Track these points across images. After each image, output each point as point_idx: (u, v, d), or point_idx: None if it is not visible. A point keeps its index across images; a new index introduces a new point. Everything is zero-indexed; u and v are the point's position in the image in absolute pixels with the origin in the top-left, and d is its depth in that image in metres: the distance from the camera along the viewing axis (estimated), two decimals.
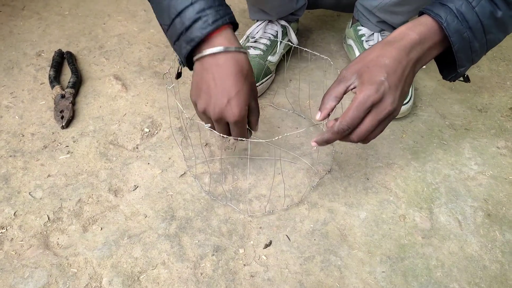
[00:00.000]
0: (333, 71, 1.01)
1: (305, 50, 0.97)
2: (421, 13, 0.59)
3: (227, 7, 0.59)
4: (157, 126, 0.85)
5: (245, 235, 0.67)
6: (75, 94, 0.91)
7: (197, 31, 0.56)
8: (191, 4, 0.56)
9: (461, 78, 0.66)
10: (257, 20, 0.98)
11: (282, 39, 0.98)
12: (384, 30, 0.94)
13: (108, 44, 1.08)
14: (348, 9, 1.01)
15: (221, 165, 0.78)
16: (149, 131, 0.84)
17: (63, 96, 0.89)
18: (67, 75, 0.97)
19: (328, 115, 0.58)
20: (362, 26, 0.97)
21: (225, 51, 0.57)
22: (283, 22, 0.97)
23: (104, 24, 1.15)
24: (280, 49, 0.97)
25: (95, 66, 1.01)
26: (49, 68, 0.97)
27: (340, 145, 0.82)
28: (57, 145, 0.81)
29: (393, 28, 0.93)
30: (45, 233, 0.67)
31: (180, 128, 0.85)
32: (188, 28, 0.56)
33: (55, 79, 0.93)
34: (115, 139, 0.83)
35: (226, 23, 0.57)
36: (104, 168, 0.77)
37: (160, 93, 0.93)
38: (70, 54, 1.01)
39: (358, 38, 0.97)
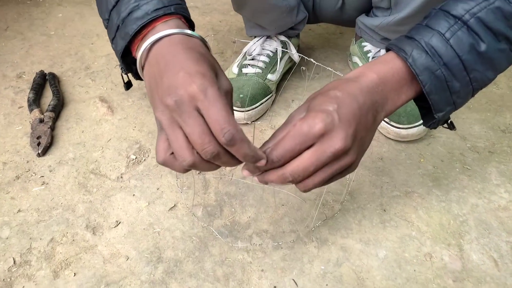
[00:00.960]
0: None
1: (312, 62, 0.89)
2: (387, 50, 0.48)
3: None
4: (145, 152, 0.76)
5: (245, 280, 0.57)
6: (55, 118, 0.83)
7: (133, 23, 0.45)
8: None
9: (445, 125, 0.53)
10: (255, 37, 0.91)
11: (282, 56, 0.90)
12: None
13: (95, 65, 1.00)
14: (349, 24, 0.93)
15: (217, 196, 0.68)
16: (135, 158, 0.75)
17: (41, 121, 0.80)
18: (48, 98, 0.89)
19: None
20: (367, 42, 0.89)
21: (170, 34, 0.44)
22: (282, 38, 0.89)
23: (92, 44, 1.07)
24: (280, 67, 0.90)
25: (80, 88, 0.92)
26: (29, 90, 0.89)
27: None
28: (31, 175, 0.71)
29: None
30: (8, 279, 0.57)
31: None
32: (124, 19, 0.46)
33: (34, 102, 0.85)
34: (97, 167, 0.73)
35: (170, 13, 0.45)
36: (82, 202, 0.67)
37: (150, 116, 0.84)
38: (52, 76, 0.93)
39: (364, 55, 0.89)
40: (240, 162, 0.43)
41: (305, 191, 0.45)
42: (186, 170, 0.43)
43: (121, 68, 0.52)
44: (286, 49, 0.91)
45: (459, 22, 0.43)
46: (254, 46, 0.89)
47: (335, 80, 0.46)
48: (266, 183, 0.45)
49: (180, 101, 0.39)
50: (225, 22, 1.21)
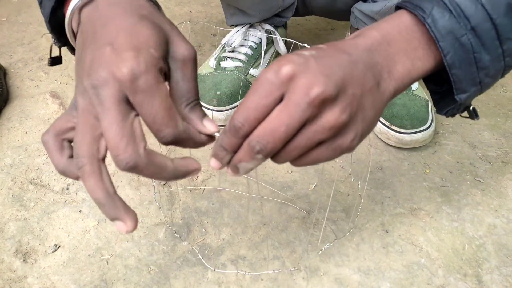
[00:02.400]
0: None
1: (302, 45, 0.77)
2: (397, 8, 0.38)
3: None
4: None
5: None
6: None
7: None
8: None
9: (466, 113, 0.43)
10: (236, 26, 0.79)
11: (267, 48, 0.78)
12: None
13: None
14: (343, 15, 0.82)
15: (183, 214, 0.56)
16: None
17: None
18: None
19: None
20: None
21: None
22: (267, 27, 0.78)
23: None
24: (265, 61, 0.78)
25: (29, 82, 0.79)
26: None
27: (345, 184, 0.62)
28: None
29: None
30: None
31: None
32: None
33: None
34: (39, 176, 0.60)
35: None
36: (15, 219, 0.54)
37: None
38: None
39: None
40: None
41: (296, 165, 0.32)
42: (62, 170, 0.32)
43: (53, 39, 0.41)
44: (272, 40, 0.79)
45: None
46: (234, 36, 0.77)
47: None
48: (238, 171, 0.32)
49: (100, 87, 0.28)
50: (204, 14, 1.10)
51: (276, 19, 0.78)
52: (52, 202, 0.56)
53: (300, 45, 0.56)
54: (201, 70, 0.77)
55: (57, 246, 0.51)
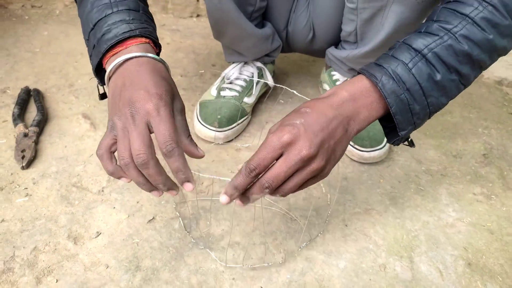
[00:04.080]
0: None
1: (282, 88, 0.96)
2: (358, 73, 0.55)
3: (147, 23, 0.58)
4: None
5: (217, 287, 0.62)
6: (39, 133, 0.86)
7: (104, 43, 0.54)
8: (106, 16, 0.55)
9: (406, 143, 0.61)
10: (233, 62, 0.98)
11: (258, 81, 0.97)
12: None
13: (79, 83, 1.04)
14: (320, 54, 1.02)
15: (191, 209, 0.73)
16: None
17: (26, 135, 0.84)
18: (32, 113, 0.92)
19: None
20: (336, 71, 0.98)
21: (136, 57, 0.53)
22: (258, 64, 0.97)
23: (76, 62, 1.12)
24: (256, 91, 0.97)
25: (63, 104, 0.96)
26: (13, 105, 0.92)
27: (317, 189, 0.80)
28: (15, 187, 0.75)
29: None
30: None
31: None
32: (99, 40, 0.55)
33: (19, 116, 0.88)
34: (79, 181, 0.77)
35: (136, 36, 0.54)
36: (64, 213, 0.71)
37: None
38: (37, 92, 0.96)
39: (333, 83, 0.98)
40: (160, 184, 0.50)
41: (282, 195, 0.51)
42: (111, 172, 0.51)
43: (97, 81, 0.61)
44: (262, 74, 0.98)
45: (419, 54, 0.51)
46: (232, 70, 0.96)
47: (312, 99, 0.54)
48: (246, 202, 0.52)
49: (136, 113, 0.48)
50: (205, 46, 1.28)
51: (266, 58, 0.97)
52: (91, 201, 0.74)
53: (280, 87, 0.75)
54: (204, 97, 0.95)
55: (99, 233, 0.68)
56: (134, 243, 0.67)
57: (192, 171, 0.50)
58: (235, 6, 0.79)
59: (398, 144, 0.60)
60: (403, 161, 0.89)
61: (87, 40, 0.58)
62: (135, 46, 0.54)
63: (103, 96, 0.66)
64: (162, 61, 0.55)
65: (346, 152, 0.89)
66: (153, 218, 0.71)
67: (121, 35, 0.54)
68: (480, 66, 0.53)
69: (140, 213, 0.72)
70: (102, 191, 0.76)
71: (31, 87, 0.98)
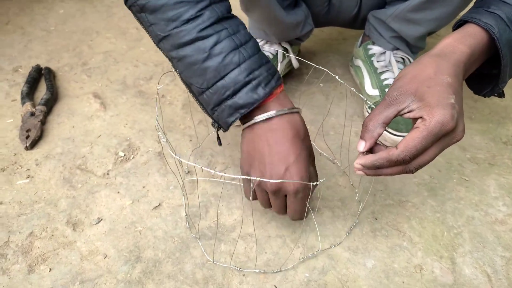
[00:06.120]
0: (338, 95, 0.90)
1: (311, 65, 0.87)
2: (463, 22, 0.50)
3: (267, 60, 0.53)
4: (134, 150, 0.75)
5: (225, 284, 0.54)
6: (47, 113, 0.82)
7: (248, 97, 0.49)
8: (238, 65, 0.49)
9: (496, 94, 0.57)
10: (257, 38, 0.89)
11: (282, 60, 0.88)
12: (398, 49, 0.84)
13: (93, 61, 0.99)
14: (361, 25, 0.91)
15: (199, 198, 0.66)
16: (124, 155, 0.73)
17: (32, 114, 0.79)
18: (42, 92, 0.88)
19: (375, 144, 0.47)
20: (373, 44, 0.87)
21: (278, 115, 0.51)
22: (284, 44, 0.88)
23: (91, 41, 1.07)
24: (280, 71, 0.88)
25: (75, 84, 0.91)
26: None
27: (344, 178, 0.71)
28: (17, 168, 0.70)
29: (408, 45, 0.82)
30: None
31: (159, 152, 0.74)
32: (236, 92, 0.49)
33: (28, 95, 0.84)
34: (84, 163, 0.72)
35: (279, 84, 0.52)
36: (65, 197, 0.66)
37: (142, 114, 0.83)
38: (48, 70, 0.92)
39: (368, 58, 0.87)
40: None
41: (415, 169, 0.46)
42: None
43: (217, 127, 0.56)
44: (287, 53, 0.89)
45: None
46: None
47: (429, 55, 0.47)
48: (378, 175, 0.47)
49: (278, 191, 0.51)
50: None
51: (293, 40, 0.88)
52: (95, 184, 0.68)
53: (314, 66, 0.66)
54: None
55: (100, 219, 0.62)
56: (136, 232, 0.61)
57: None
58: None
59: (489, 96, 0.56)
60: None
61: (206, 89, 0.51)
62: (272, 102, 0.52)
63: (219, 140, 0.61)
64: (297, 111, 0.54)
65: None
66: (159, 204, 0.65)
67: (267, 86, 0.50)
68: None
69: (145, 199, 0.65)
70: (107, 174, 0.70)
71: (44, 65, 0.94)
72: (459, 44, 0.47)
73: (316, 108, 0.87)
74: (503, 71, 0.49)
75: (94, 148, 0.75)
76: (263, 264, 0.57)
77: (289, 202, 0.53)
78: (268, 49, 0.87)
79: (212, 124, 0.56)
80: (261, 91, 0.49)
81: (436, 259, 0.59)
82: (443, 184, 0.70)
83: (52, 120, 0.81)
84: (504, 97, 0.58)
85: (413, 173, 0.45)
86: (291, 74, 0.96)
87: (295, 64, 0.89)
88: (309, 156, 0.54)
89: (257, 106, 0.51)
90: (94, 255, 0.57)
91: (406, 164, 0.44)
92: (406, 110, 0.44)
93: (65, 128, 0.79)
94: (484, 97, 0.57)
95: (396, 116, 0.45)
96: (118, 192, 0.67)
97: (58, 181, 0.68)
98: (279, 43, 0.87)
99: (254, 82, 0.49)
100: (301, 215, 0.54)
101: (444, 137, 0.43)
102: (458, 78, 0.45)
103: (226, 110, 0.51)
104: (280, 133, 0.51)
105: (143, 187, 0.68)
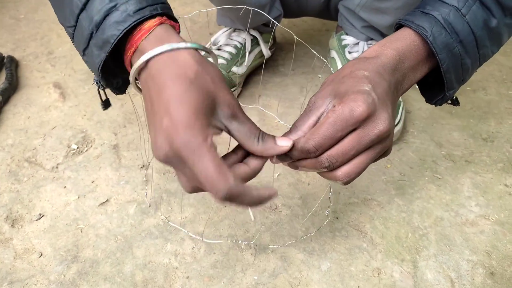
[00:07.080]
0: (313, 88, 0.86)
1: (288, 58, 0.83)
2: (399, 26, 0.46)
3: None
4: (88, 142, 0.71)
5: (165, 287, 0.51)
6: (3, 103, 0.78)
7: (113, 28, 0.37)
8: None
9: (449, 101, 0.52)
10: (224, 26, 0.85)
11: (252, 49, 0.84)
12: (371, 39, 0.80)
13: (59, 50, 0.95)
14: (335, 15, 0.86)
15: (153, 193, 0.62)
16: (77, 148, 0.70)
17: None
18: (2, 81, 0.84)
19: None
20: (347, 35, 0.83)
21: (154, 55, 0.36)
22: (253, 32, 0.83)
23: (61, 29, 1.03)
24: (249, 61, 0.83)
25: (37, 73, 0.88)
26: None
27: (307, 174, 0.67)
28: None
29: (382, 34, 0.78)
30: None
31: (115, 145, 0.70)
32: (99, 25, 0.37)
33: None
34: (34, 155, 0.68)
35: (157, 14, 0.38)
36: (9, 191, 0.62)
37: None
38: (10, 59, 0.88)
39: (342, 48, 0.83)
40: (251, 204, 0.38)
41: (346, 183, 0.40)
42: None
43: (98, 84, 0.44)
44: (257, 43, 0.85)
45: None
46: (221, 35, 0.83)
47: (352, 60, 0.43)
48: (296, 168, 0.41)
49: (168, 157, 0.34)
50: (204, 14, 1.16)
51: (262, 27, 0.83)
52: (42, 178, 0.64)
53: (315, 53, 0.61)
54: None
55: (41, 215, 0.59)
56: (78, 229, 0.57)
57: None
58: None
59: (440, 104, 0.51)
60: (419, 144, 0.74)
61: (73, 27, 0.39)
62: (148, 42, 0.37)
63: (106, 103, 0.51)
64: (196, 47, 0.37)
65: None
66: (107, 200, 0.61)
67: (137, 14, 0.37)
68: None
69: (92, 194, 0.62)
70: (56, 167, 0.66)
71: (8, 54, 0.90)
72: (384, 48, 0.42)
73: (288, 101, 0.83)
74: (447, 78, 0.44)
75: (47, 140, 0.71)
76: (210, 266, 0.53)
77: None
78: (236, 38, 0.82)
79: (96, 83, 0.45)
80: (128, 19, 0.37)
81: (397, 262, 0.54)
82: (413, 182, 0.66)
83: (8, 110, 0.77)
84: (458, 105, 0.52)
85: (325, 166, 0.38)
86: (266, 65, 0.91)
87: (266, 53, 0.85)
88: (209, 103, 0.35)
89: (135, 50, 0.38)
90: (29, 253, 0.54)
91: (316, 155, 0.38)
92: (326, 113, 0.39)
93: (20, 119, 0.75)
94: (435, 105, 0.51)
95: (317, 121, 0.39)
96: (65, 186, 0.63)
97: (3, 174, 0.65)
98: (248, 32, 0.83)
99: (121, 8, 0.37)
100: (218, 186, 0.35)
101: (362, 128, 0.37)
102: (380, 74, 0.40)
103: (92, 51, 0.39)
104: (161, 77, 0.35)
105: (92, 181, 0.64)
